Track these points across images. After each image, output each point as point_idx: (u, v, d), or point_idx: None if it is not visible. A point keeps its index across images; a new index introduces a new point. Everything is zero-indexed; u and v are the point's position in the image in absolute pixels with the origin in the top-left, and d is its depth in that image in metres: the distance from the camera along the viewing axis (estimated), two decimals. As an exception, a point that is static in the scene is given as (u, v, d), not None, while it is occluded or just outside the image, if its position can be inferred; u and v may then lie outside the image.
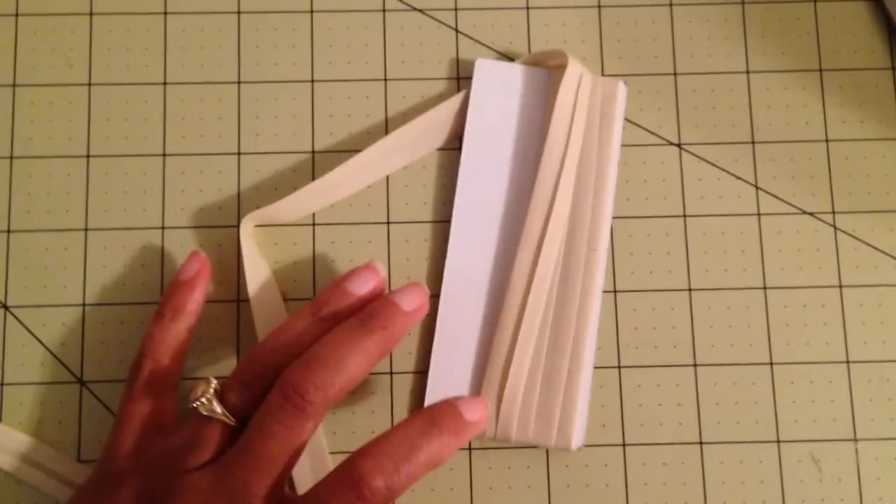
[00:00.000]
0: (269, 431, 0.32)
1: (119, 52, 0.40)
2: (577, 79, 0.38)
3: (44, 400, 0.38)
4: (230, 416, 0.33)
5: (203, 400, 0.33)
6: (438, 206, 0.39)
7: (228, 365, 0.38)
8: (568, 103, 0.38)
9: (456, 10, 0.40)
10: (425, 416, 0.33)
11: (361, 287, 0.35)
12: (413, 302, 0.35)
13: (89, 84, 0.40)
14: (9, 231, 0.39)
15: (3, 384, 0.38)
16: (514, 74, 0.39)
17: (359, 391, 0.38)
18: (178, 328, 0.36)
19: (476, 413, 0.34)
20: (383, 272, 0.36)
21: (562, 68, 0.38)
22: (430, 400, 0.37)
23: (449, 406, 0.34)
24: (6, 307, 0.38)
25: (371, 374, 0.37)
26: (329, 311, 0.34)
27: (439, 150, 0.40)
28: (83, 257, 0.39)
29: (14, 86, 0.40)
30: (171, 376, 0.36)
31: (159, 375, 0.35)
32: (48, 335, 0.38)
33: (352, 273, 0.35)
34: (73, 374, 0.38)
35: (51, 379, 0.38)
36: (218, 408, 0.33)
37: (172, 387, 0.36)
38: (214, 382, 0.33)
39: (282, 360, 0.33)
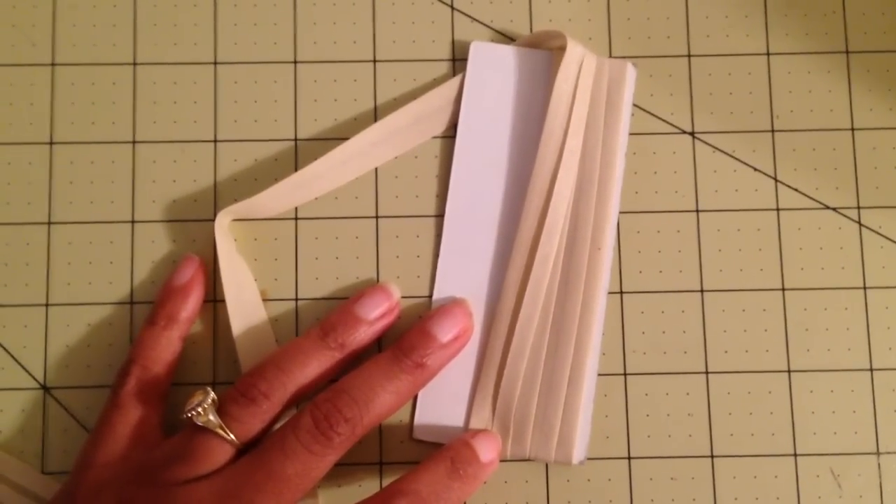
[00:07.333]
0: (292, 453, 0.31)
1: (84, 29, 0.38)
2: (577, 62, 0.37)
3: (4, 407, 0.36)
4: (227, 431, 0.32)
5: (199, 409, 0.32)
6: (431, 199, 0.38)
7: (204, 369, 0.37)
8: (567, 90, 0.36)
9: (451, -16, 0.39)
10: (448, 459, 0.33)
11: (371, 311, 0.35)
12: (452, 329, 0.34)
13: (52, 64, 0.38)
14: (-34, 224, 0.38)
15: (-40, 390, 0.37)
16: (512, 57, 0.38)
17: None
18: (171, 336, 0.35)
19: (490, 453, 0.34)
20: (396, 294, 0.36)
21: (563, 50, 0.37)
22: (421, 409, 0.36)
23: (468, 448, 0.33)
24: (-36, 307, 0.37)
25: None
26: (336, 337, 0.34)
27: (433, 138, 0.38)
28: (46, 253, 0.37)
29: (-29, 66, 0.38)
30: (159, 385, 0.35)
31: (147, 383, 0.34)
32: (9, 337, 0.37)
33: (362, 295, 0.35)
34: (36, 380, 0.37)
35: (12, 385, 0.36)
36: (215, 419, 0.32)
37: (160, 397, 0.35)
38: (212, 393, 0.32)
39: (289, 380, 0.33)
